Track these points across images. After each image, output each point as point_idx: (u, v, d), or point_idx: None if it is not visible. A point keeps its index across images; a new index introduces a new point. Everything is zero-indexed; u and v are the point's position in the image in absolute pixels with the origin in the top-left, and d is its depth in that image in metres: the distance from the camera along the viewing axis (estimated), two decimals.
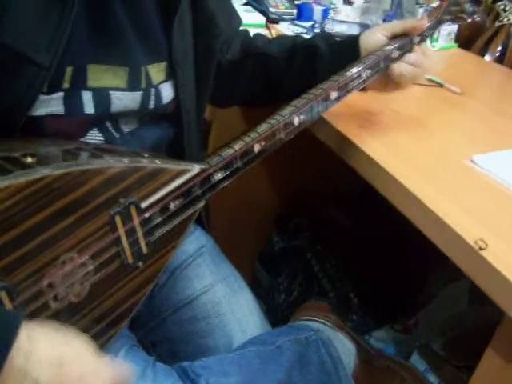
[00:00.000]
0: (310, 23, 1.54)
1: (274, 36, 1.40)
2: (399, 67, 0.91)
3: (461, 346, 1.20)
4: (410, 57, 0.93)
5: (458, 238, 0.73)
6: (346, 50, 0.96)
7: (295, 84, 0.98)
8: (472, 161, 0.91)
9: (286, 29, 1.50)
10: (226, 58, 0.99)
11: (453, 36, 1.56)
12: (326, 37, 1.01)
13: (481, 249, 0.70)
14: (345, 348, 1.08)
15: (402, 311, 1.43)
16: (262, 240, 1.64)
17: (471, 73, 1.46)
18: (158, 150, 0.84)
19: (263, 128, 0.81)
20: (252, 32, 1.07)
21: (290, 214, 1.60)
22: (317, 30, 1.48)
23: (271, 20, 1.54)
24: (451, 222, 0.75)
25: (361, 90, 0.94)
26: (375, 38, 0.95)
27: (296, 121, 0.84)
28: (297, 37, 1.05)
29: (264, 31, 1.43)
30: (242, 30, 1.05)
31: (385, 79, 0.93)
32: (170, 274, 0.95)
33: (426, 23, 0.97)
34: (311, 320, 1.08)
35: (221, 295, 0.94)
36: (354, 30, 1.47)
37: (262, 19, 1.52)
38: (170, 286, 0.94)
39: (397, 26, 0.96)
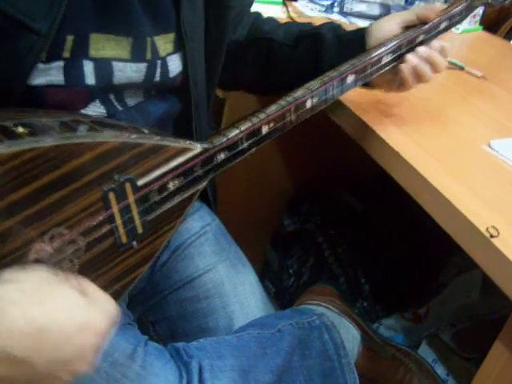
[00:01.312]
0: (328, 2, 1.49)
1: (291, 14, 1.38)
2: (412, 60, 0.87)
3: (470, 338, 1.18)
4: (422, 50, 0.88)
5: (470, 224, 0.70)
6: (353, 42, 0.92)
7: (297, 73, 0.95)
8: (489, 146, 0.89)
9: (304, 7, 1.46)
10: (232, 38, 0.97)
11: (478, 19, 1.51)
12: (335, 27, 0.97)
13: (492, 236, 0.68)
14: (349, 335, 1.06)
15: (413, 299, 1.41)
16: (273, 222, 1.63)
17: (494, 57, 1.41)
18: (164, 126, 0.82)
19: (272, 109, 0.78)
20: (269, 9, 1.04)
21: (303, 197, 1.58)
22: (336, 9, 1.44)
23: None
24: (463, 207, 0.73)
25: (366, 87, 0.91)
26: (388, 27, 0.90)
27: (308, 103, 0.81)
28: (305, 24, 1.01)
29: (281, 9, 1.40)
30: (252, 12, 1.03)
31: (392, 76, 0.90)
32: (171, 251, 0.93)
33: (438, 10, 0.92)
34: (316, 304, 1.06)
35: (223, 275, 0.93)
36: (375, 10, 1.43)
37: None
38: (171, 264, 0.93)
39: (409, 14, 0.91)
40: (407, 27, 0.91)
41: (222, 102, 1.37)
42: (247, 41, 0.99)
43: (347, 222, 1.50)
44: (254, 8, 1.05)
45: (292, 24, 1.04)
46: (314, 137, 1.33)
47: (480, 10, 1.50)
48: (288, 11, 1.39)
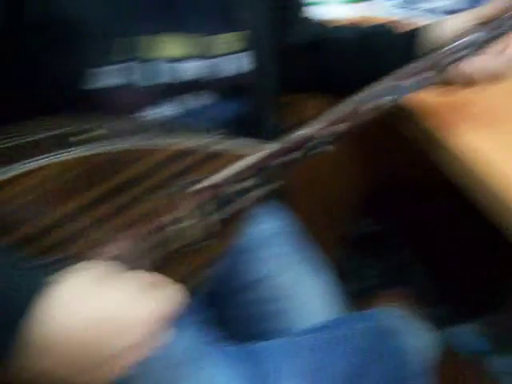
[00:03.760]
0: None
1: (363, 13, 1.36)
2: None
3: None
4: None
5: None
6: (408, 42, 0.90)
7: (364, 73, 0.93)
8: None
9: (379, 5, 1.42)
10: (297, 39, 0.96)
11: None
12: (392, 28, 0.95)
13: None
14: (421, 340, 1.03)
15: (489, 306, 1.36)
16: (349, 223, 1.61)
17: None
18: (231, 127, 0.82)
19: (344, 107, 0.78)
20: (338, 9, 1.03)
21: (381, 199, 1.55)
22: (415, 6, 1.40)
23: None
24: None
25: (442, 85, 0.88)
26: (454, 25, 0.87)
27: (381, 100, 0.80)
28: (375, 25, 0.99)
29: (352, 8, 1.37)
30: (318, 14, 1.03)
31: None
32: (240, 253, 0.93)
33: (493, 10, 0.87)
34: (386, 309, 1.04)
35: (293, 278, 0.92)
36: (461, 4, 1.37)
37: None
38: (239, 266, 0.93)
39: (475, 13, 0.88)
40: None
41: (288, 103, 1.36)
42: (313, 41, 0.98)
43: (426, 227, 1.46)
44: (326, 8, 1.04)
45: (352, 25, 1.03)
46: (395, 136, 1.31)
47: None
48: (359, 11, 1.36)
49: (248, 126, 0.86)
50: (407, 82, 0.82)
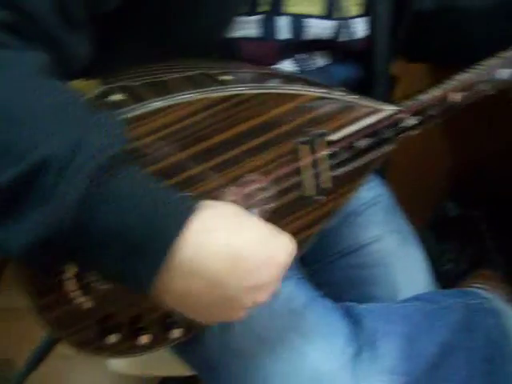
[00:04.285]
0: None
1: None
2: None
3: None
4: None
5: None
6: None
7: (494, 45, 0.91)
8: None
9: None
10: (419, 7, 0.95)
11: None
12: None
13: None
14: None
15: None
16: (433, 204, 1.58)
17: None
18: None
19: (465, 77, 0.76)
20: None
21: (470, 183, 1.52)
22: None
23: None
24: None
25: None
26: None
27: (504, 74, 0.78)
28: None
29: None
30: None
31: None
32: (342, 218, 0.94)
33: None
34: (482, 288, 1.03)
35: (391, 246, 0.93)
36: None
37: None
38: (341, 230, 0.94)
39: None
40: None
41: (395, 79, 1.35)
42: (437, 9, 0.96)
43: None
44: None
45: None
46: (489, 118, 1.28)
47: None
48: None
49: (358, 92, 0.86)
50: None
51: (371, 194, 0.96)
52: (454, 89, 0.76)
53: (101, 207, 0.48)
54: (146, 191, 0.51)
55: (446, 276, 1.41)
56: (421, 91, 0.76)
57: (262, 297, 0.57)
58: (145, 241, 0.48)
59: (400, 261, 0.91)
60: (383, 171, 1.00)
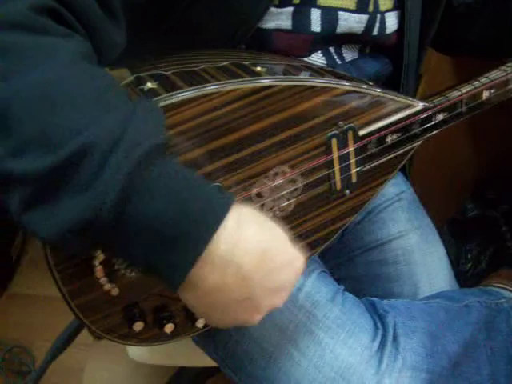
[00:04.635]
0: None
1: None
2: None
3: None
4: None
5: None
6: None
7: None
8: None
9: None
10: (461, 0, 0.94)
11: None
12: None
13: None
14: None
15: None
16: (453, 204, 1.58)
17: None
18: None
19: (495, 74, 0.76)
20: None
21: (490, 183, 1.51)
22: None
23: None
24: None
25: None
26: None
27: None
28: None
29: None
30: None
31: None
32: (366, 213, 0.94)
33: None
34: (503, 288, 1.02)
35: (413, 243, 0.92)
36: None
37: None
38: (363, 226, 0.94)
39: None
40: None
41: (419, 76, 1.34)
42: (480, 1, 0.95)
43: None
44: None
45: None
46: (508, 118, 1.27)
47: None
48: None
49: (387, 87, 0.86)
50: None
51: (395, 190, 0.96)
52: (485, 87, 0.75)
53: (142, 195, 0.48)
54: (186, 183, 0.51)
55: (465, 276, 1.41)
56: (450, 88, 0.76)
57: (278, 301, 0.57)
58: (182, 233, 0.48)
59: (422, 258, 0.91)
60: (407, 168, 1.00)
